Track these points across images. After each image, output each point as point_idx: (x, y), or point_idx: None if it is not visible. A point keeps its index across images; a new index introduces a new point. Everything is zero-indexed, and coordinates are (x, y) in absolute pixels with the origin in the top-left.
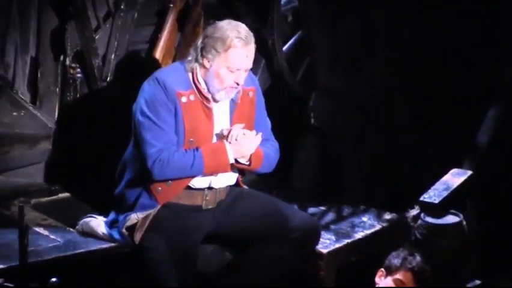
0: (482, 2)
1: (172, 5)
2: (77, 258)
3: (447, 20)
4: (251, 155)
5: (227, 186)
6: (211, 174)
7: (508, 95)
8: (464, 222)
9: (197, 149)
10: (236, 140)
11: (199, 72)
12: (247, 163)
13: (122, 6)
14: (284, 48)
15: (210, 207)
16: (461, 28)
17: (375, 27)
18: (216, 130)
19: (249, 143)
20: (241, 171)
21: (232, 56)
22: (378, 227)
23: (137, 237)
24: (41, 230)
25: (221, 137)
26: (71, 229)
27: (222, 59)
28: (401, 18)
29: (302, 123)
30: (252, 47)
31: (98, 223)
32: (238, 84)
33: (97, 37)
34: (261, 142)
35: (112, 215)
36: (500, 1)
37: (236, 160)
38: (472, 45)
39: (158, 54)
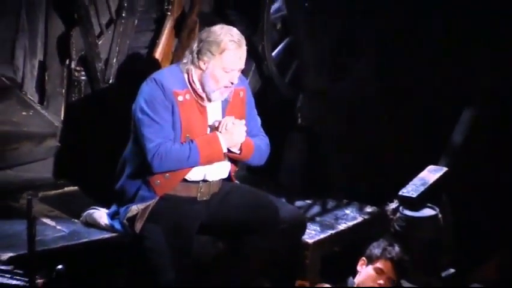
0: (461, 8)
1: (169, 13)
2: (81, 247)
3: (428, 26)
4: (242, 144)
5: (220, 180)
6: (206, 163)
7: (481, 100)
8: (440, 215)
9: (192, 141)
10: (226, 129)
11: (194, 73)
12: (239, 152)
13: (123, 14)
14: (273, 53)
15: (204, 198)
16: (441, 35)
17: (357, 33)
18: None
19: (238, 131)
20: (234, 163)
21: (226, 58)
22: (360, 219)
23: (138, 226)
24: (48, 221)
25: (213, 128)
26: (76, 220)
27: (217, 61)
28: (383, 23)
29: (290, 123)
30: (244, 49)
31: (100, 215)
32: (232, 83)
33: (100, 42)
34: (252, 137)
35: (113, 207)
36: (477, 10)
37: (229, 150)
38: (451, 53)
39: (156, 58)
